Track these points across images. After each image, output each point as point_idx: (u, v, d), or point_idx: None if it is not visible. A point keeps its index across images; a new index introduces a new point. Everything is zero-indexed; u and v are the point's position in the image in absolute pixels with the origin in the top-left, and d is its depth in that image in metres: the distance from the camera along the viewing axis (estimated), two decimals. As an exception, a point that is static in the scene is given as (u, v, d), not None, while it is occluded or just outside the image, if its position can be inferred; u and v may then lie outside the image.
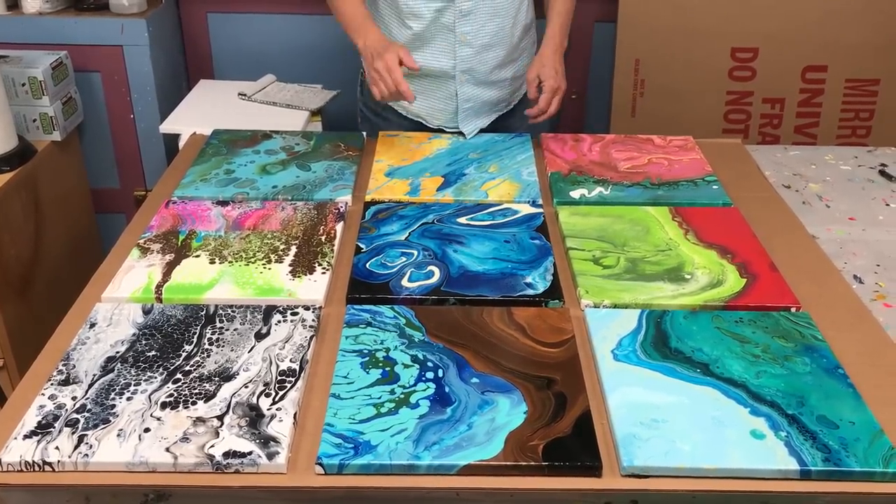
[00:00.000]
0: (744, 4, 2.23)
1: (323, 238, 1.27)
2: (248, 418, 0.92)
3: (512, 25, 1.57)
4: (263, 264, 1.20)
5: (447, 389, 0.96)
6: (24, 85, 1.93)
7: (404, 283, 1.16)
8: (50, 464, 0.86)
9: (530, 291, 1.14)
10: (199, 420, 0.91)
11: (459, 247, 1.24)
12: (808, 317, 1.10)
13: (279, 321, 1.08)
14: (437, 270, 1.18)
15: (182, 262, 1.20)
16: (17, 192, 1.84)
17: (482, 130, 1.66)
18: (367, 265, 1.20)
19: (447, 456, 0.87)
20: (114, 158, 2.30)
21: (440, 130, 1.67)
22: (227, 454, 0.87)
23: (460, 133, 1.65)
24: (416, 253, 1.23)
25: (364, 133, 1.65)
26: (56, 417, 0.92)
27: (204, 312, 1.10)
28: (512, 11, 1.56)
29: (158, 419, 0.91)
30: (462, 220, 1.32)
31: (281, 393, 0.95)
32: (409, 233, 1.28)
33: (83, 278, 1.21)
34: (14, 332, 1.79)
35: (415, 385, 0.97)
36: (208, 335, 1.05)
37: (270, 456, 0.87)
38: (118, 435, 0.89)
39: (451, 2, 1.49)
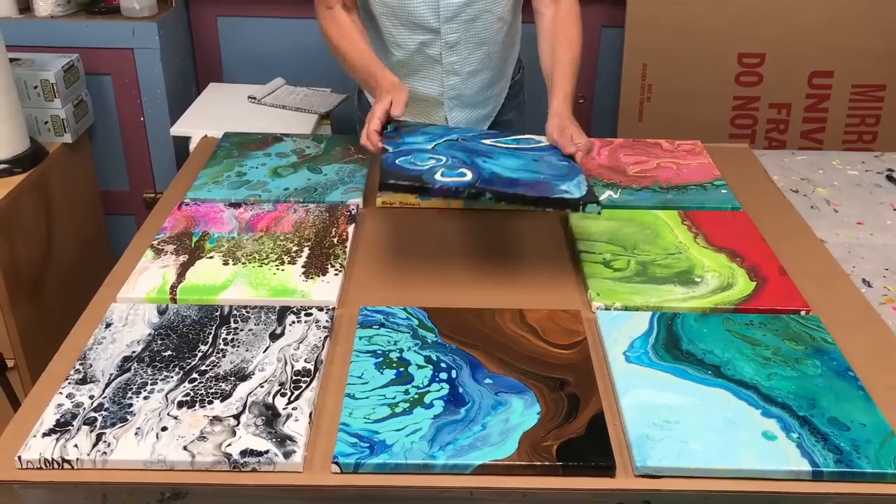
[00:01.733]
0: (750, 10, 2.24)
1: (335, 240, 1.28)
2: (264, 417, 0.93)
3: (499, 50, 1.53)
4: (276, 265, 1.21)
5: (461, 390, 0.97)
6: (36, 87, 1.94)
7: (437, 177, 1.09)
8: (69, 461, 0.87)
9: (567, 195, 1.09)
10: (216, 419, 0.92)
11: (489, 159, 1.17)
12: (818, 320, 1.11)
13: (293, 322, 1.09)
14: (469, 172, 1.12)
15: (196, 264, 1.21)
16: (29, 194, 1.85)
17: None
18: (397, 161, 1.13)
19: (462, 456, 0.88)
20: (124, 160, 2.31)
21: None
22: (244, 453, 0.88)
23: None
24: (444, 158, 1.15)
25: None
26: (74, 416, 0.93)
27: (218, 313, 1.11)
28: (499, 38, 1.51)
29: (175, 418, 0.92)
30: (487, 141, 1.27)
31: (296, 393, 0.96)
32: (435, 145, 1.21)
33: (93, 279, 1.22)
34: (25, 332, 1.80)
35: (429, 385, 0.97)
36: (223, 335, 1.06)
37: (287, 455, 0.88)
38: (136, 433, 0.90)
39: (437, 35, 1.46)
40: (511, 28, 1.55)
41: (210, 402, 0.95)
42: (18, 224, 1.79)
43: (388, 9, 1.44)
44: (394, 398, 0.95)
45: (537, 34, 1.49)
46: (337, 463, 0.87)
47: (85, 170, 2.17)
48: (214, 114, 2.09)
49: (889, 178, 1.77)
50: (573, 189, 1.12)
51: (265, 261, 1.22)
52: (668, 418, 0.93)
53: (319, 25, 1.48)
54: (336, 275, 1.19)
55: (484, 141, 1.27)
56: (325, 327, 1.08)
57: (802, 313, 1.13)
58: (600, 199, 1.41)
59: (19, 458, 0.88)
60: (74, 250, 2.08)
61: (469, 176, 1.11)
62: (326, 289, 1.16)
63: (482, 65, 1.52)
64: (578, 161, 1.24)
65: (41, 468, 0.88)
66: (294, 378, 0.99)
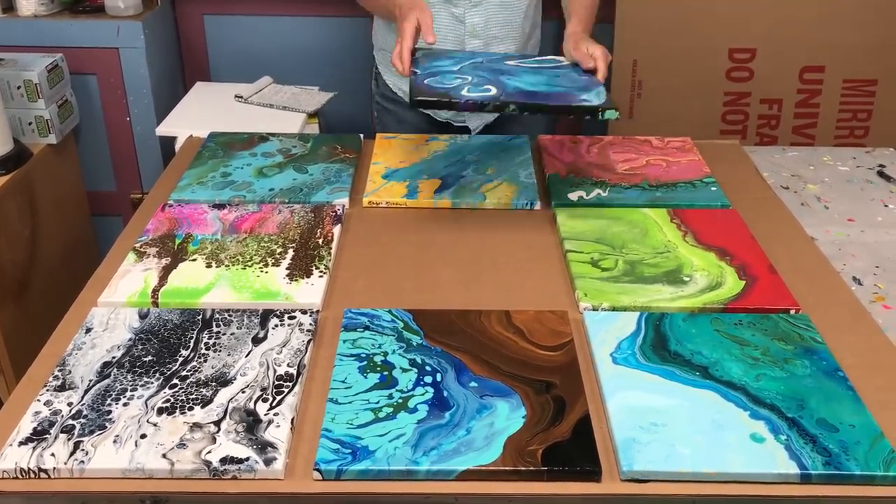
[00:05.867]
0: (741, 5, 2.23)
1: (320, 241, 1.26)
2: (245, 424, 0.91)
3: (521, 19, 1.59)
4: (260, 268, 1.19)
5: (445, 394, 0.95)
6: (19, 88, 1.92)
7: (464, 92, 1.20)
8: (45, 471, 0.86)
9: (586, 103, 1.18)
10: (196, 426, 0.91)
11: (512, 76, 1.28)
12: (808, 319, 1.10)
13: (276, 325, 1.07)
14: (494, 88, 1.22)
15: (178, 266, 1.19)
16: (13, 196, 1.83)
17: (487, 127, 1.68)
18: (426, 81, 1.24)
19: (446, 461, 0.86)
20: (110, 161, 2.29)
21: (447, 125, 1.70)
22: (224, 460, 0.86)
23: (459, 133, 1.65)
24: (470, 78, 1.27)
25: (361, 135, 1.65)
26: (52, 424, 0.91)
27: (200, 317, 1.09)
28: (521, 6, 1.57)
29: (155, 425, 0.91)
30: (511, 62, 1.37)
31: (278, 398, 0.95)
32: (461, 66, 1.33)
33: (80, 282, 1.20)
34: (10, 336, 1.79)
35: (413, 389, 0.96)
36: (205, 340, 1.05)
37: (268, 462, 0.86)
38: (114, 441, 0.89)
39: None
40: (534, 6, 1.60)
41: (190, 409, 0.93)
42: (2, 226, 1.78)
43: None
44: (377, 403, 0.94)
45: None
46: (319, 469, 0.86)
47: (70, 171, 2.15)
48: (201, 113, 2.07)
49: (880, 173, 1.76)
50: (592, 98, 1.20)
51: (249, 263, 1.20)
52: (656, 421, 0.92)
53: None
54: (321, 277, 1.18)
55: (508, 62, 1.38)
56: (308, 330, 1.06)
57: (792, 312, 1.12)
58: (589, 196, 1.40)
59: (-5, 467, 0.86)
60: (60, 252, 2.06)
61: (494, 91, 1.21)
62: (311, 291, 1.15)
63: (504, 31, 1.56)
64: (600, 75, 1.33)
65: (17, 478, 0.86)
66: (276, 383, 0.97)
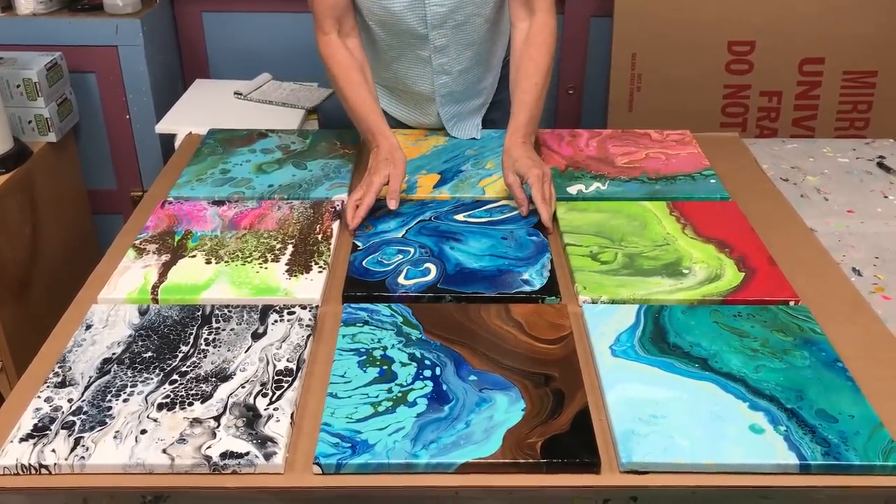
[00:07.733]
0: (740, -3, 2.22)
1: (319, 237, 1.27)
2: (245, 419, 0.91)
3: (489, 47, 1.53)
4: (260, 264, 1.19)
5: (445, 387, 0.95)
6: (18, 86, 1.92)
7: (400, 280, 1.15)
8: (46, 467, 0.86)
9: (527, 288, 1.14)
10: (196, 421, 0.91)
11: (456, 244, 1.24)
12: (807, 310, 1.10)
13: (276, 321, 1.07)
14: (433, 268, 1.18)
15: (178, 263, 1.20)
16: (14, 195, 1.83)
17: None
18: (364, 263, 1.20)
19: (445, 454, 0.86)
20: (110, 159, 2.30)
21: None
22: (224, 455, 0.87)
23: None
24: (412, 250, 1.22)
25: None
26: (52, 420, 0.91)
27: (200, 313, 1.09)
28: (488, 36, 1.51)
29: (155, 421, 0.91)
30: (459, 217, 1.32)
31: (278, 393, 0.95)
32: (406, 230, 1.28)
33: (81, 280, 1.20)
34: (12, 334, 1.79)
35: (412, 383, 0.96)
36: (205, 336, 1.05)
37: (268, 456, 0.87)
38: (115, 437, 0.89)
39: (426, 40, 1.45)
40: (500, 23, 1.54)
41: (190, 404, 0.93)
42: (3, 225, 1.78)
43: (376, 17, 1.44)
44: (377, 397, 0.94)
45: (511, 49, 1.48)
46: (318, 464, 0.86)
47: (71, 169, 2.15)
48: (200, 110, 2.07)
49: (880, 164, 1.76)
50: (534, 277, 1.16)
51: (248, 259, 1.21)
52: (655, 413, 0.92)
53: (318, 49, 1.45)
54: (320, 272, 1.18)
55: (457, 217, 1.32)
56: (308, 326, 1.07)
57: (791, 304, 1.12)
58: (588, 190, 1.40)
59: (-4, 464, 0.86)
60: (61, 250, 2.07)
61: (433, 273, 1.16)
62: (310, 286, 1.15)
63: (472, 62, 1.52)
64: (546, 220, 1.28)
65: (18, 474, 0.86)
66: (276, 378, 0.97)
